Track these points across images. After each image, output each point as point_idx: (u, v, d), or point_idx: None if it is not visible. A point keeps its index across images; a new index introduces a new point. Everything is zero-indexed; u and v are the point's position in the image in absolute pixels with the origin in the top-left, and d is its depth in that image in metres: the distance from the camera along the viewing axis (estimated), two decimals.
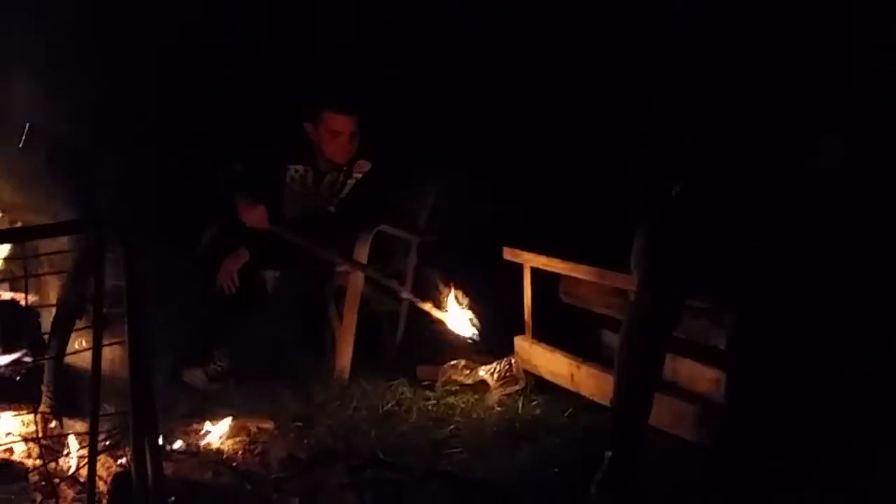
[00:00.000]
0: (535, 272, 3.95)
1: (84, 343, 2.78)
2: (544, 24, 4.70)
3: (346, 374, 4.06)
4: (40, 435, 2.78)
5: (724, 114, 2.96)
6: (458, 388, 3.91)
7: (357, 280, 4.13)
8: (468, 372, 3.97)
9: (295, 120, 4.18)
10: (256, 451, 3.24)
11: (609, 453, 2.90)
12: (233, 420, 3.43)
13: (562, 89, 4.66)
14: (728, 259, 2.96)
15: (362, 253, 4.12)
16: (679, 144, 3.02)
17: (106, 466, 2.74)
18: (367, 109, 4.21)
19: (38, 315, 3.29)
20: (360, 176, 4.21)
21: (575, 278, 3.77)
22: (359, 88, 4.49)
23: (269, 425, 3.46)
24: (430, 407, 3.73)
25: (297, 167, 4.22)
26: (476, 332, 3.82)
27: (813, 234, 2.97)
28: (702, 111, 2.99)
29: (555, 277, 3.94)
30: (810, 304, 2.98)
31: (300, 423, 3.49)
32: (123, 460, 2.78)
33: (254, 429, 3.42)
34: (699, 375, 3.25)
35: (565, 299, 3.93)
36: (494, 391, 3.85)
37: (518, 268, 4.02)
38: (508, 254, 4.08)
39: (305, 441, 3.35)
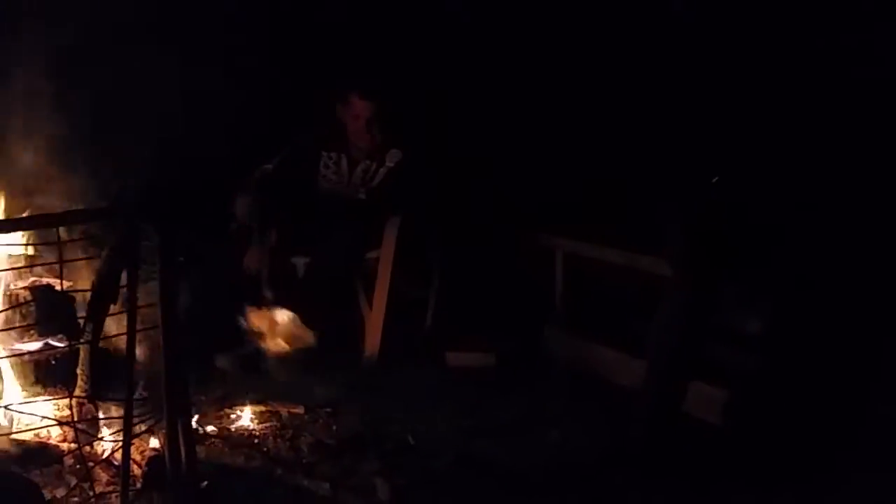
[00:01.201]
0: (568, 258, 3.93)
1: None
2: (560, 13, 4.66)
3: (376, 360, 4.07)
4: (75, 419, 2.81)
5: (735, 110, 2.95)
6: (485, 374, 3.91)
7: (386, 266, 4.13)
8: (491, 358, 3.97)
9: (329, 107, 4.20)
10: (287, 437, 3.25)
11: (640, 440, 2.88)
12: (264, 405, 3.45)
13: (589, 81, 4.61)
14: (765, 246, 2.93)
15: (390, 241, 4.12)
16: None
17: (140, 450, 2.76)
18: (396, 98, 4.21)
19: (73, 300, 3.32)
20: (392, 165, 4.22)
21: (608, 263, 3.74)
22: (387, 76, 4.49)
23: (299, 410, 3.48)
24: (459, 393, 3.73)
25: (332, 154, 4.25)
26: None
27: (846, 223, 2.93)
28: (709, 108, 2.98)
29: (586, 263, 3.91)
30: (845, 293, 2.94)
31: (330, 409, 3.50)
32: (157, 444, 2.81)
33: (284, 414, 3.44)
34: (733, 362, 3.22)
35: (596, 285, 3.91)
36: None
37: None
38: (541, 239, 4.06)
39: (335, 427, 3.37)
